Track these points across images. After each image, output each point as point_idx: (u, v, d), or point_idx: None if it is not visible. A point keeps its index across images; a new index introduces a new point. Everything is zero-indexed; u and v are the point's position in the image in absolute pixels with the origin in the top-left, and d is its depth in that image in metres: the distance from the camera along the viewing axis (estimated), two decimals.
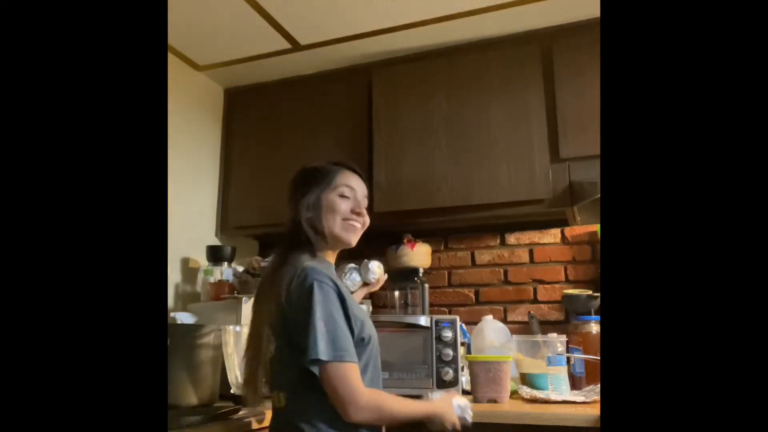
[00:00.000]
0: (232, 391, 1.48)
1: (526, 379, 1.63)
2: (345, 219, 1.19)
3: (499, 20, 1.87)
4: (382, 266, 1.52)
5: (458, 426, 1.19)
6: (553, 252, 2.05)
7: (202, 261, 2.08)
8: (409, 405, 1.13)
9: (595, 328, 1.75)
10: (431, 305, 2.09)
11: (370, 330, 1.15)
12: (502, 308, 2.07)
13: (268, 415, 1.38)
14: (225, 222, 2.24)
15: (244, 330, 1.49)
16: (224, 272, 1.98)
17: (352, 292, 1.44)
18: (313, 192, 1.20)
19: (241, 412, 1.35)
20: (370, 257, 1.54)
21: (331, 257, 1.23)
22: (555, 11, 1.83)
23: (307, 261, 1.12)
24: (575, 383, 1.67)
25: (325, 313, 1.05)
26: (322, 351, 1.01)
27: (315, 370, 1.02)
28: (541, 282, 2.04)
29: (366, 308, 1.96)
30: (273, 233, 2.23)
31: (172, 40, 1.98)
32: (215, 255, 2.04)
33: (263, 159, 2.21)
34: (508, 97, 1.87)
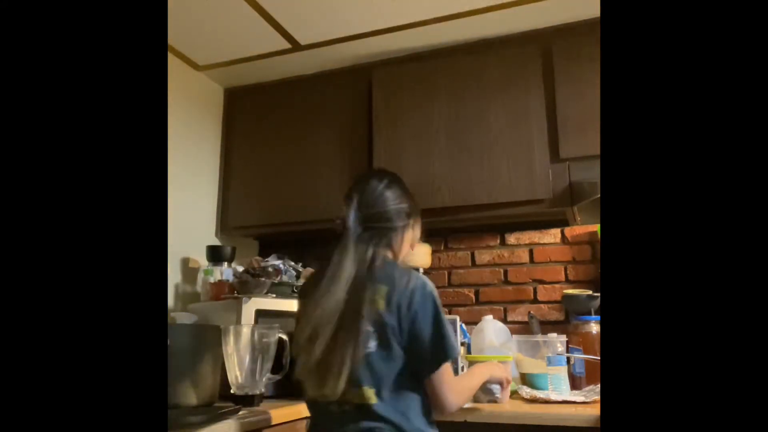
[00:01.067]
0: (232, 391, 1.48)
1: (526, 379, 1.63)
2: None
3: (499, 20, 1.87)
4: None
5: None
6: (553, 252, 2.05)
7: (202, 261, 2.08)
8: (475, 377, 1.31)
9: (595, 328, 1.75)
10: None
11: None
12: (502, 308, 2.07)
13: (277, 414, 1.38)
14: (225, 222, 2.24)
15: (244, 330, 1.49)
16: (224, 272, 1.98)
17: None
18: (412, 215, 1.28)
19: (241, 412, 1.35)
20: None
21: None
22: (555, 11, 1.83)
23: (409, 268, 1.19)
24: (575, 383, 1.67)
25: (444, 319, 1.15)
26: (454, 350, 1.14)
27: (438, 367, 1.12)
28: (541, 282, 2.04)
29: None
30: (273, 233, 2.24)
31: (172, 40, 1.98)
32: (215, 255, 2.04)
33: (263, 159, 2.21)
34: (508, 97, 1.87)
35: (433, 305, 1.14)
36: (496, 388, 1.37)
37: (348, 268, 1.14)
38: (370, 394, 1.10)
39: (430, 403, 1.16)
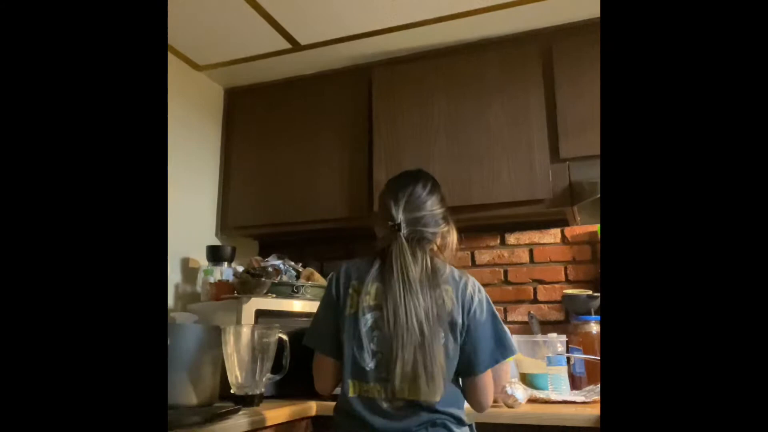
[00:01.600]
0: (232, 391, 1.48)
1: (526, 379, 1.63)
2: None
3: (499, 20, 1.87)
4: None
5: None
6: (553, 252, 2.05)
7: (202, 261, 2.08)
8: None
9: (595, 328, 1.75)
10: None
11: None
12: (502, 308, 2.06)
13: (277, 414, 1.38)
14: (225, 222, 2.24)
15: (244, 330, 1.49)
16: (224, 272, 1.98)
17: None
18: (449, 219, 1.29)
19: (240, 412, 1.35)
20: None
21: None
22: (555, 11, 1.83)
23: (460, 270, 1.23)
24: (575, 383, 1.67)
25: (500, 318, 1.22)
26: (514, 349, 1.19)
27: (494, 365, 1.17)
28: (541, 282, 2.04)
29: None
30: (273, 233, 2.24)
31: (172, 40, 1.98)
32: (215, 255, 2.04)
33: (263, 159, 2.21)
34: (508, 97, 1.87)
35: (490, 304, 1.20)
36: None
37: (414, 269, 1.15)
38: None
39: (469, 400, 1.19)
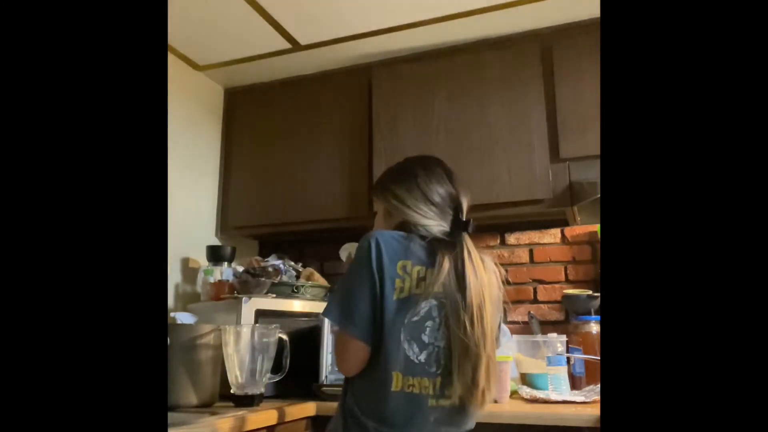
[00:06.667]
0: (232, 391, 1.48)
1: (526, 379, 1.63)
2: None
3: (499, 20, 1.87)
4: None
5: None
6: (553, 252, 2.05)
7: (202, 261, 2.08)
8: None
9: (595, 328, 1.75)
10: None
11: None
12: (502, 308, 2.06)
13: (277, 414, 1.38)
14: (225, 222, 2.24)
15: (244, 330, 1.49)
16: (224, 272, 1.98)
17: None
18: None
19: (241, 412, 1.35)
20: None
21: None
22: (555, 11, 1.83)
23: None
24: (575, 383, 1.67)
25: None
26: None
27: None
28: (541, 282, 2.04)
29: None
30: (273, 233, 2.24)
31: (172, 40, 1.98)
32: (215, 255, 2.04)
33: (263, 159, 2.21)
34: (508, 97, 1.87)
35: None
36: None
37: (477, 260, 1.09)
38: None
39: None
